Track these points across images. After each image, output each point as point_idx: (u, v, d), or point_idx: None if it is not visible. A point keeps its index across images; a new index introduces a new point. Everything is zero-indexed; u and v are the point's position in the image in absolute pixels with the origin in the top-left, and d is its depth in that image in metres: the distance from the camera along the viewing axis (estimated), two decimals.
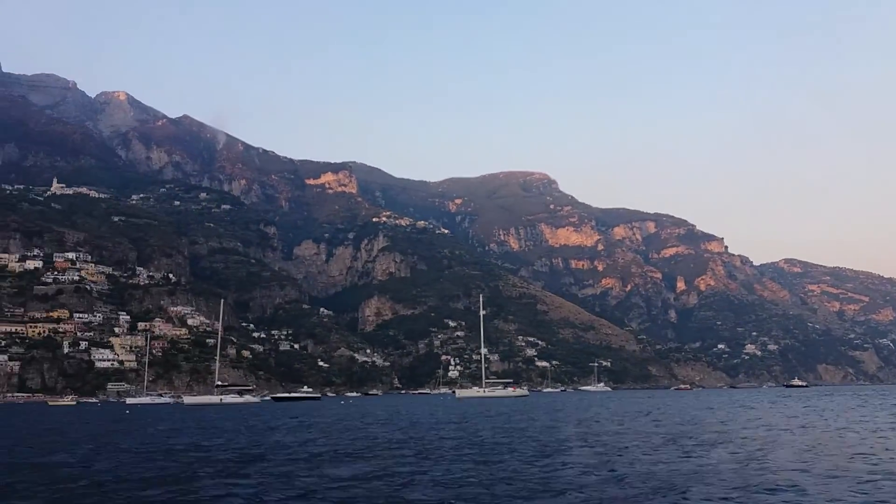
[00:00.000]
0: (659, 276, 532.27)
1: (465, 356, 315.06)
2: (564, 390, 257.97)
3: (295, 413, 76.48)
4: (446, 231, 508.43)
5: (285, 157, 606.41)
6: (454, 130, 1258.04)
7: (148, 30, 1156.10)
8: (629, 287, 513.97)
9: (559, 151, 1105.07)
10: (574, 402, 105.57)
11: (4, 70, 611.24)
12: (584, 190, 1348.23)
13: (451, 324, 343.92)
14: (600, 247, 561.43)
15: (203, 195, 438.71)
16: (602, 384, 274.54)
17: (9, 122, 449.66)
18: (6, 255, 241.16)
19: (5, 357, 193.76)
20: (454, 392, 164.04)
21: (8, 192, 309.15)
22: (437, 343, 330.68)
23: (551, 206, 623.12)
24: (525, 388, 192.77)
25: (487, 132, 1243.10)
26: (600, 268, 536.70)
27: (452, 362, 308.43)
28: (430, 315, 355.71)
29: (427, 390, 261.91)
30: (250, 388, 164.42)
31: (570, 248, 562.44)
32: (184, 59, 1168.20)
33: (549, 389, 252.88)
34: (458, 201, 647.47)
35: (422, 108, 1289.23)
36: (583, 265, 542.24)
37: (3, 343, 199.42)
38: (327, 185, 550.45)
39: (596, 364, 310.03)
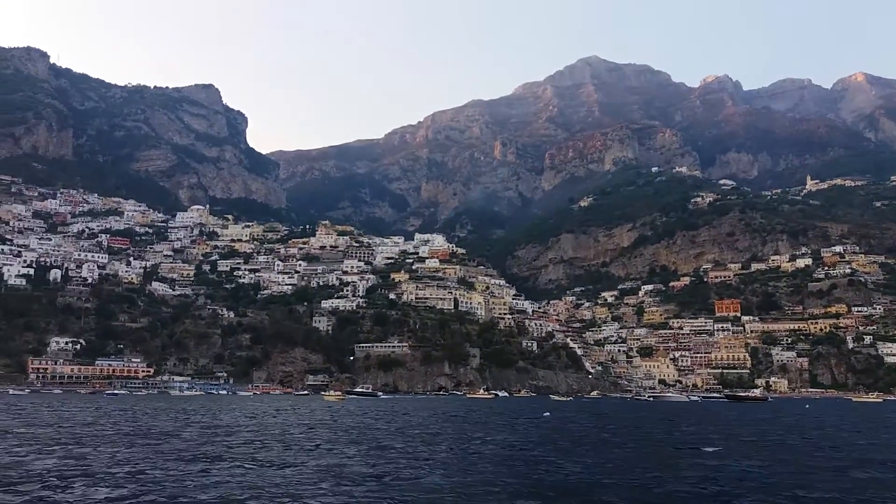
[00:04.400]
0: None
1: None
2: None
3: None
4: None
5: None
6: None
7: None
8: None
9: None
10: None
11: (745, 89, 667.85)
12: None
13: None
14: None
15: None
16: None
17: (757, 134, 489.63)
18: (778, 257, 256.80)
19: (793, 354, 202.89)
20: None
21: (769, 197, 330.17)
22: None
23: None
24: None
25: None
26: None
27: None
28: None
29: None
30: None
31: None
32: None
33: None
34: None
35: None
36: None
37: (789, 340, 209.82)
38: None
39: None
